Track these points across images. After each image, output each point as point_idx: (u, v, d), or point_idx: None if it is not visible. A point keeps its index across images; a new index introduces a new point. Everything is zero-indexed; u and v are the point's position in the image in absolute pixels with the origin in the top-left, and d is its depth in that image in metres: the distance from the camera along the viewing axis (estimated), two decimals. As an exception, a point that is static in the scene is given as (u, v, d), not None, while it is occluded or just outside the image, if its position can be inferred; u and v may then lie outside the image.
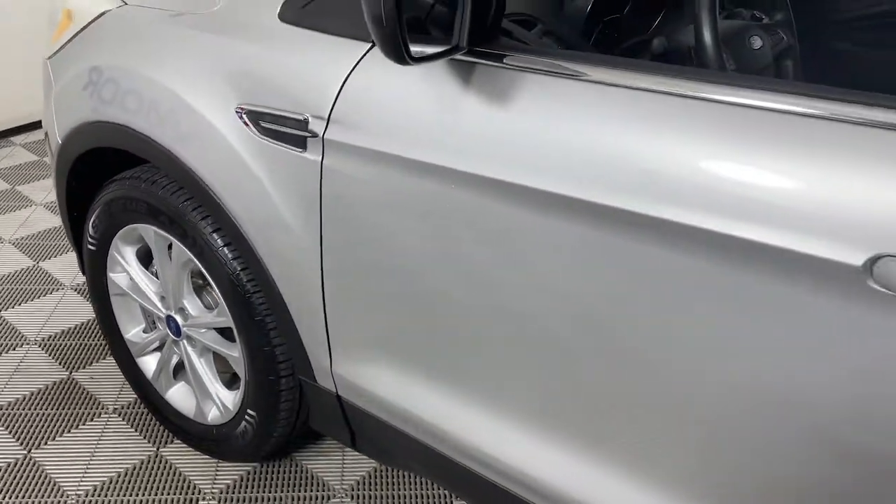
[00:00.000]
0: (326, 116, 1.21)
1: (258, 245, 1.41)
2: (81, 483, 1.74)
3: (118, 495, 1.71)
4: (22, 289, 2.45)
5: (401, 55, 0.94)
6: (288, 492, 1.76)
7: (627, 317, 1.00)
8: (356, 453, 1.87)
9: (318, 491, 1.77)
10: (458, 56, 1.07)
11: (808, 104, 0.85)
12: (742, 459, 0.97)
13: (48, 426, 1.89)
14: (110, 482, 1.75)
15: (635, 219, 0.92)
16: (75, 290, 2.43)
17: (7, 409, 1.94)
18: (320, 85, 1.22)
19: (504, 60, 1.07)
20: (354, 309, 1.34)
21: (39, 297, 2.40)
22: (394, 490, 1.77)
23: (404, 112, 1.14)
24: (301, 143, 1.25)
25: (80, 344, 2.19)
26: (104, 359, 2.13)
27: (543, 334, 1.10)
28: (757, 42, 1.40)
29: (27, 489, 1.72)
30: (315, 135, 1.23)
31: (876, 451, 0.85)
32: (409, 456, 1.44)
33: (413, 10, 1.03)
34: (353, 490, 1.77)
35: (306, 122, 1.23)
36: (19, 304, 2.36)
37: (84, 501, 1.70)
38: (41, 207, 3.03)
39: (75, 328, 2.26)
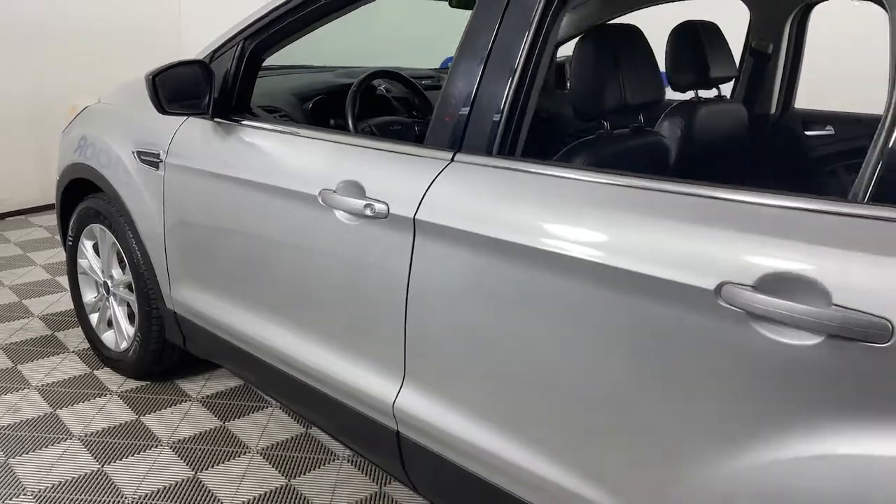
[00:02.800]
0: (167, 150, 2.38)
1: (140, 227, 2.56)
2: None
3: None
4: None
5: (159, 109, 2.12)
6: (161, 395, 2.81)
7: (289, 245, 2.04)
8: (216, 379, 2.93)
9: (180, 397, 2.81)
10: (218, 120, 2.23)
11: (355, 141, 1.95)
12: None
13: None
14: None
15: (300, 195, 1.95)
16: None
17: None
18: (166, 134, 2.40)
19: (240, 122, 2.22)
20: (180, 256, 2.45)
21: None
22: (233, 400, 2.79)
23: (194, 145, 2.30)
24: (157, 165, 2.42)
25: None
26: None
27: (273, 264, 2.13)
28: (398, 128, 2.55)
29: None
30: (162, 160, 2.40)
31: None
32: (216, 350, 2.48)
33: (192, 90, 2.20)
34: (205, 399, 2.81)
35: (159, 154, 2.41)
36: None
37: None
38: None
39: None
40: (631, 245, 1.33)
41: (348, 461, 2.45)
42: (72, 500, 2.22)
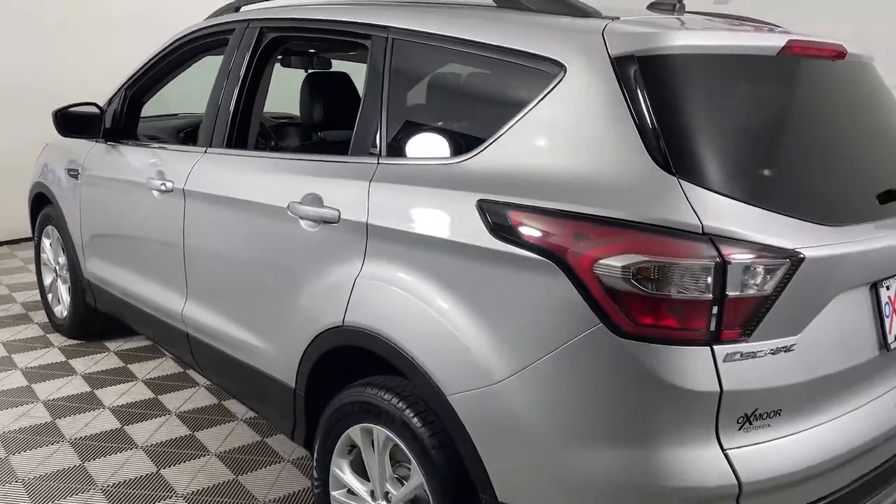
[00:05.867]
0: (82, 164, 3.48)
1: (68, 221, 3.65)
2: None
3: None
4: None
5: (60, 133, 3.22)
6: (88, 348, 3.85)
7: (133, 218, 3.09)
8: (134, 342, 3.95)
9: (101, 350, 3.85)
10: (112, 142, 3.32)
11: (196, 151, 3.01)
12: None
13: None
14: None
15: (137, 183, 3.03)
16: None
17: None
18: (83, 154, 3.49)
19: (121, 143, 3.30)
20: (89, 238, 3.51)
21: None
22: (141, 353, 3.81)
23: (96, 159, 3.39)
24: (77, 177, 3.52)
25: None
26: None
27: (128, 233, 3.18)
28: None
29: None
30: (79, 173, 3.49)
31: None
32: (112, 304, 3.50)
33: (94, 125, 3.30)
34: (119, 352, 3.83)
35: (77, 169, 3.51)
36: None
37: None
38: (59, 262, 5.46)
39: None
40: (264, 189, 2.32)
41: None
42: (4, 401, 3.25)
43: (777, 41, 1.73)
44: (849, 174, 1.80)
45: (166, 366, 3.67)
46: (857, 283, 1.65)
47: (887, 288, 1.74)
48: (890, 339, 1.74)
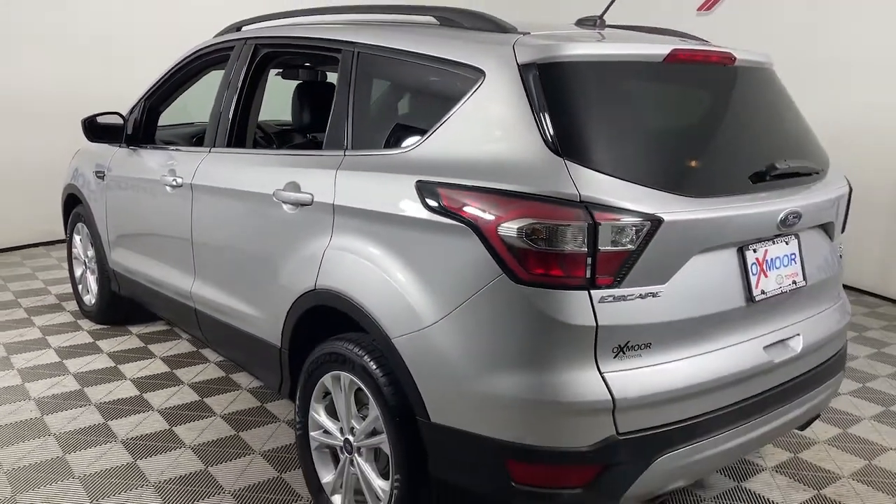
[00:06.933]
0: (107, 166, 3.94)
1: (96, 217, 4.11)
2: None
3: None
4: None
5: (88, 139, 3.69)
6: (112, 331, 4.31)
7: (149, 210, 3.53)
8: (153, 326, 4.41)
9: (126, 333, 4.30)
10: (133, 147, 3.78)
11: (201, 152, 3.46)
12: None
13: None
14: None
15: (151, 180, 3.49)
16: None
17: None
18: (109, 158, 3.96)
19: (140, 147, 3.76)
20: (113, 231, 3.97)
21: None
22: (160, 335, 4.26)
23: (119, 161, 3.85)
24: (103, 178, 3.99)
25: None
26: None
27: (145, 223, 3.63)
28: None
29: None
30: (105, 174, 3.96)
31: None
32: (132, 288, 3.96)
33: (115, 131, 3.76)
34: (141, 335, 4.28)
35: (103, 171, 3.97)
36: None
37: None
38: (89, 260, 5.95)
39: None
40: (255, 180, 2.74)
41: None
42: (39, 373, 3.72)
43: (663, 49, 2.11)
44: (723, 158, 2.16)
45: (181, 346, 4.11)
46: (722, 244, 2.02)
47: (754, 251, 2.11)
48: (756, 293, 2.10)
